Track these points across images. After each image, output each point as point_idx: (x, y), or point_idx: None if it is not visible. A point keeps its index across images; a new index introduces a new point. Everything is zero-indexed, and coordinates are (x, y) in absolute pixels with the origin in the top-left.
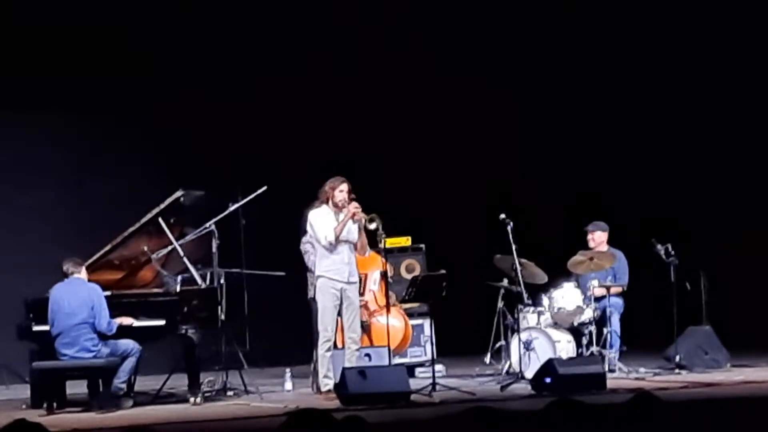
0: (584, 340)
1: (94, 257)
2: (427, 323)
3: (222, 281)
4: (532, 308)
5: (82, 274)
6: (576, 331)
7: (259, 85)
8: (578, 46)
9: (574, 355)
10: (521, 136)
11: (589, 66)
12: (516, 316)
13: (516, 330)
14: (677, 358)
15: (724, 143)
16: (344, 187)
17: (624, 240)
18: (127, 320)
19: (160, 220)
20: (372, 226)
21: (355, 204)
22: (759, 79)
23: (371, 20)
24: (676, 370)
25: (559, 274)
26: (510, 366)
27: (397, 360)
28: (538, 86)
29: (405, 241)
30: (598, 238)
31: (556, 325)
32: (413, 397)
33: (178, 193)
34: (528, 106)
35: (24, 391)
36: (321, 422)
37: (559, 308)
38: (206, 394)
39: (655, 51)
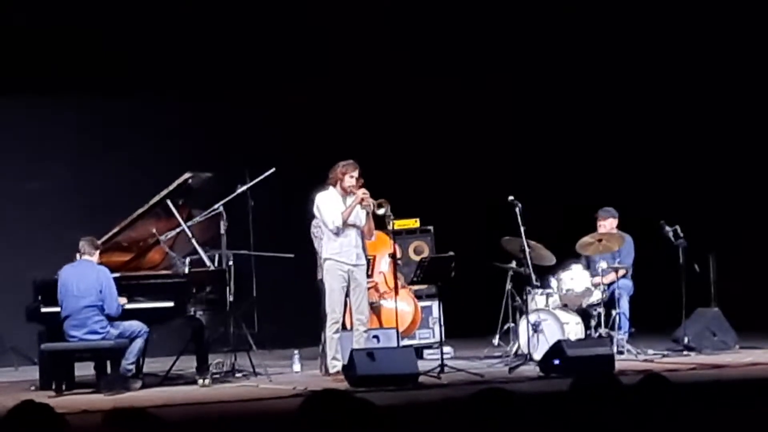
0: (593, 322)
1: (103, 239)
2: (435, 305)
3: (230, 263)
4: (540, 290)
5: (94, 257)
6: (585, 313)
7: (269, 69)
8: (583, 36)
9: (583, 336)
10: (529, 118)
11: (602, 48)
12: (524, 297)
13: (524, 312)
14: (686, 340)
15: (735, 125)
16: (355, 173)
17: (632, 222)
18: (120, 300)
19: (168, 202)
20: (380, 212)
21: (363, 190)
22: (764, 69)
23: (381, 12)
24: (685, 352)
25: (567, 255)
26: (518, 348)
27: (405, 342)
28: (548, 71)
29: (413, 223)
30: (609, 224)
31: (564, 306)
32: (421, 378)
33: (187, 175)
34: (539, 89)
35: (33, 373)
36: (340, 403)
37: (568, 290)
38: (215, 376)
39: (663, 39)
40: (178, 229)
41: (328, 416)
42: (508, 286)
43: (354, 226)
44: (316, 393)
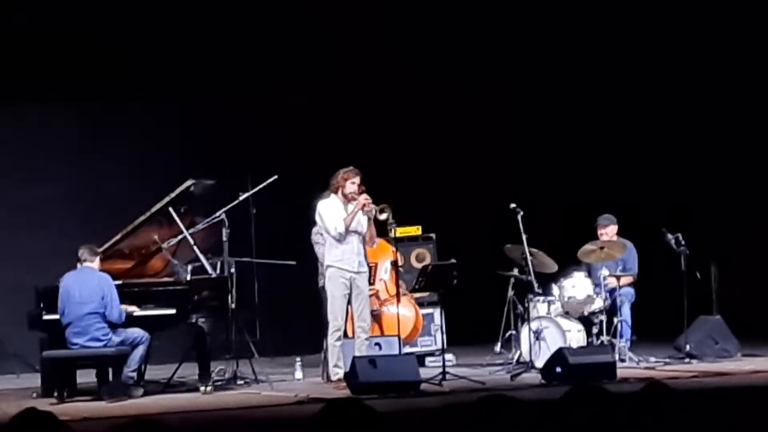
0: (594, 330)
1: (105, 246)
2: (437, 312)
3: (232, 270)
4: (542, 297)
5: (95, 263)
6: (586, 321)
7: (269, 69)
8: (583, 37)
9: (585, 344)
10: (531, 122)
11: (603, 50)
12: (526, 305)
13: (526, 319)
14: (687, 348)
15: (738, 131)
16: (357, 179)
17: (634, 229)
18: (130, 308)
19: (170, 209)
20: (382, 217)
21: (365, 195)
22: (764, 74)
23: (381, 12)
24: (687, 360)
25: (568, 263)
26: (520, 355)
27: (407, 349)
28: (548, 72)
29: (415, 230)
30: (611, 232)
31: (566, 314)
32: (423, 386)
33: (189, 182)
34: (538, 95)
35: (35, 380)
36: (358, 412)
37: (570, 297)
38: (217, 383)
39: (664, 41)
40: (180, 237)
41: (346, 425)
42: (510, 293)
43: (356, 232)
44: (333, 401)
